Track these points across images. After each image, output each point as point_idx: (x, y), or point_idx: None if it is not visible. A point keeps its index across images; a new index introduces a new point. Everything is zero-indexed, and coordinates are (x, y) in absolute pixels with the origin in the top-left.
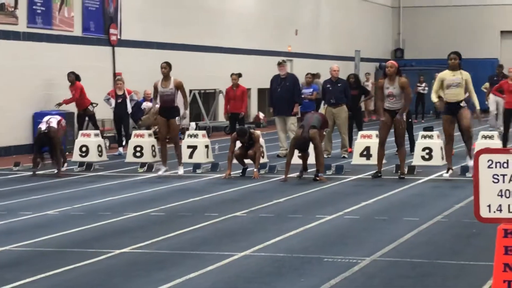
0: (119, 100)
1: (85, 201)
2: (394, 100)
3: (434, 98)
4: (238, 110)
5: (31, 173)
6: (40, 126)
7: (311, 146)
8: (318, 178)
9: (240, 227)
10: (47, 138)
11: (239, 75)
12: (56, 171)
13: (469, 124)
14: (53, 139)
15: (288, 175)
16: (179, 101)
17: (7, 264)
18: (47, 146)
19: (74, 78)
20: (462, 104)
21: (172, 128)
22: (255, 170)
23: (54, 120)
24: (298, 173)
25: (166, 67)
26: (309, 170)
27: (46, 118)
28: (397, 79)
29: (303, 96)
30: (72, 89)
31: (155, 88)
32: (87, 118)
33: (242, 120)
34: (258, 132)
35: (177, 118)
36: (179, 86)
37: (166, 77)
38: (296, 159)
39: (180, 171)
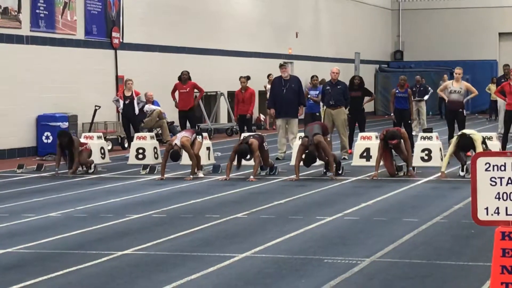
0: (127, 101)
1: (88, 203)
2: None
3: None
4: (246, 112)
5: (54, 172)
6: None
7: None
8: (334, 178)
9: (241, 229)
10: (69, 142)
11: (248, 77)
12: (68, 171)
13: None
14: (73, 144)
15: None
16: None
17: (10, 266)
18: (67, 150)
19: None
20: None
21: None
22: (251, 176)
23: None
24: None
25: None
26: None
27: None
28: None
29: (309, 97)
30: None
31: None
32: None
33: (249, 121)
34: (255, 141)
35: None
36: (184, 146)
37: None
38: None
39: (200, 174)
